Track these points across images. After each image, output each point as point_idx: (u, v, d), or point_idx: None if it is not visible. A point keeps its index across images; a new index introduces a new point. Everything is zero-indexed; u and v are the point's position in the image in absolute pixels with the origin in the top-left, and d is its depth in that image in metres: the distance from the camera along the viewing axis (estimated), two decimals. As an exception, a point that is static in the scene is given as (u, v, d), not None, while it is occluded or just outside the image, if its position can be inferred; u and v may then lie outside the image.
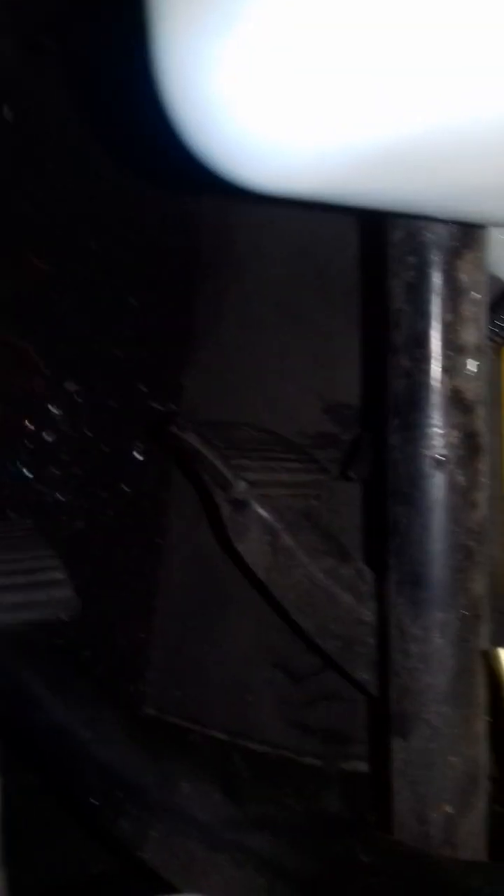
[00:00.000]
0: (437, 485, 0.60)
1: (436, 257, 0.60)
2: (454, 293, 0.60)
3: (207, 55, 0.34)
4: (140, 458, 1.32)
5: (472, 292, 0.61)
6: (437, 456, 0.60)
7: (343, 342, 1.13)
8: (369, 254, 1.05)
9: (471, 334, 0.61)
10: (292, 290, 1.19)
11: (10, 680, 0.69)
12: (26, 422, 1.23)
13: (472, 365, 0.61)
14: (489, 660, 0.64)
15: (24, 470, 1.23)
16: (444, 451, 0.60)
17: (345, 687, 0.88)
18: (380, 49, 0.36)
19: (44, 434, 1.25)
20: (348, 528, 1.02)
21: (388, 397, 0.63)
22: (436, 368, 0.60)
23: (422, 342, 0.60)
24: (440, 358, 0.60)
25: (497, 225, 0.62)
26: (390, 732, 0.62)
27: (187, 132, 0.37)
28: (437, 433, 0.60)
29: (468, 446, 0.61)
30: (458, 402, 0.60)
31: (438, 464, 0.60)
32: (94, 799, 0.65)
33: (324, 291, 1.16)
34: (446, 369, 0.60)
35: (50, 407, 1.26)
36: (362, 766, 1.00)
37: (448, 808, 0.59)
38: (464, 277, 0.61)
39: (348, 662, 0.80)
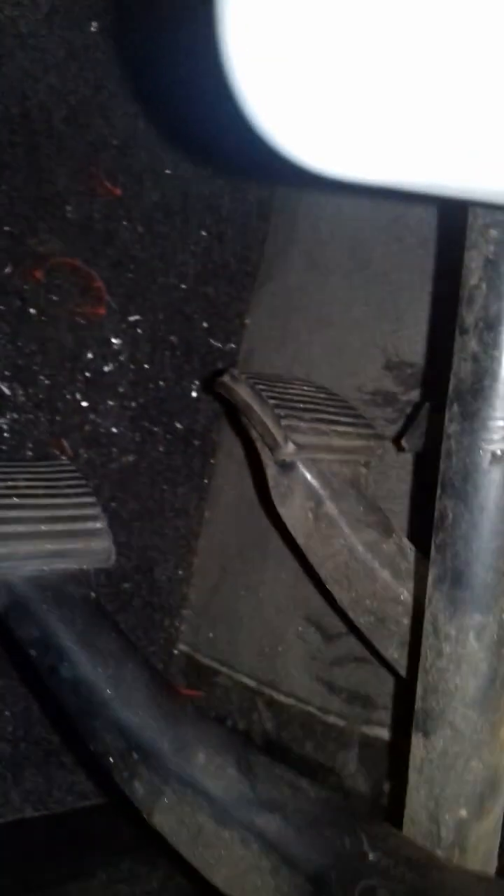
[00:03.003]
0: (493, 481, 0.56)
1: (522, 233, 0.55)
2: (538, 275, 0.55)
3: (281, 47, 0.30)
4: (195, 395, 1.30)
5: None
6: (496, 450, 0.56)
7: (412, 296, 1.07)
8: (448, 215, 0.98)
9: (550, 321, 0.56)
10: (366, 235, 1.13)
11: (40, 629, 0.70)
12: (86, 350, 1.22)
13: (546, 355, 0.56)
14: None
15: (80, 398, 1.22)
16: (503, 446, 0.56)
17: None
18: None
19: (103, 364, 1.23)
20: (395, 496, 0.99)
21: (451, 380, 0.58)
22: (506, 356, 0.55)
23: (494, 325, 0.55)
24: (512, 345, 0.55)
25: None
26: (413, 727, 0.60)
27: (255, 117, 0.33)
28: (500, 426, 0.56)
29: (531, 443, 0.56)
30: (526, 394, 0.56)
31: (496, 459, 0.56)
32: (110, 757, 0.65)
33: (398, 240, 1.09)
34: (518, 358, 0.55)
35: (111, 337, 1.24)
36: (383, 733, 0.99)
37: (463, 812, 0.58)
38: (551, 258, 0.55)
39: (379, 640, 0.78)
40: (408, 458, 0.98)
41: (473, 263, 0.57)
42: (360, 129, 0.35)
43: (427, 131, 0.37)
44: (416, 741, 0.60)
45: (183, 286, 1.28)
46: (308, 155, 0.33)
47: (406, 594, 0.76)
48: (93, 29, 1.16)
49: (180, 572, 1.33)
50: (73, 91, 1.15)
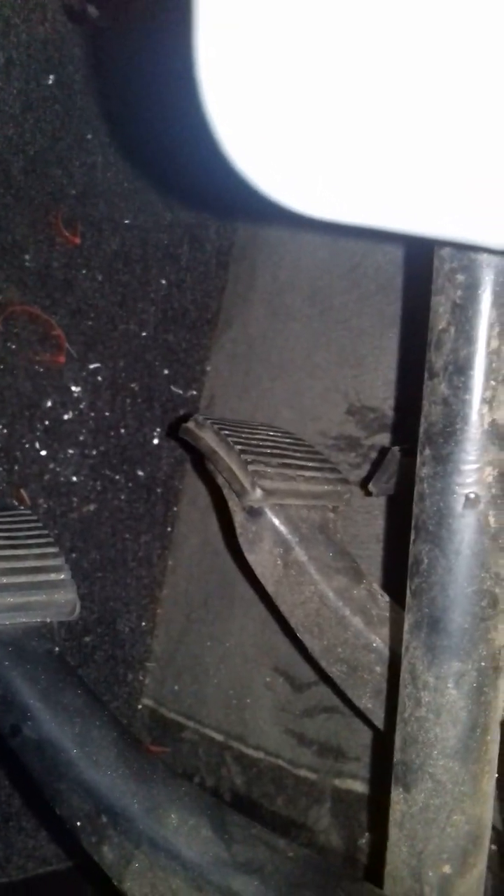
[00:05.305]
0: (468, 525, 0.55)
1: (489, 277, 0.55)
2: (504, 318, 0.56)
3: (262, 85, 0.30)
4: (157, 443, 1.29)
5: (524, 317, 0.56)
6: (469, 494, 0.56)
7: (373, 342, 1.08)
8: (414, 262, 0.99)
9: (518, 364, 0.56)
10: (325, 283, 1.15)
11: (1, 686, 0.66)
12: (45, 398, 1.20)
13: (515, 397, 0.56)
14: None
15: (40, 447, 1.20)
16: (477, 489, 0.55)
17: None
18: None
19: (62, 412, 1.22)
20: (363, 541, 0.98)
21: (422, 423, 0.58)
22: (476, 399, 0.55)
23: (464, 369, 0.56)
24: (482, 388, 0.56)
25: None
26: (392, 780, 0.59)
27: (232, 154, 0.33)
28: (472, 469, 0.55)
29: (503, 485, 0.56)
30: (497, 436, 0.56)
31: (470, 502, 0.56)
32: (77, 820, 0.62)
33: (357, 287, 1.11)
34: (487, 400, 0.55)
35: (70, 385, 1.22)
36: (356, 786, 0.96)
37: (446, 868, 0.56)
38: (516, 301, 0.56)
39: (352, 689, 0.76)
40: (375, 503, 0.98)
41: (441, 308, 0.57)
42: (337, 173, 0.35)
43: (402, 173, 0.37)
44: (396, 795, 0.58)
45: (143, 334, 1.28)
46: (290, 198, 0.33)
47: (379, 641, 0.74)
48: (50, 82, 1.17)
49: (144, 623, 1.30)
50: (30, 142, 1.15)
